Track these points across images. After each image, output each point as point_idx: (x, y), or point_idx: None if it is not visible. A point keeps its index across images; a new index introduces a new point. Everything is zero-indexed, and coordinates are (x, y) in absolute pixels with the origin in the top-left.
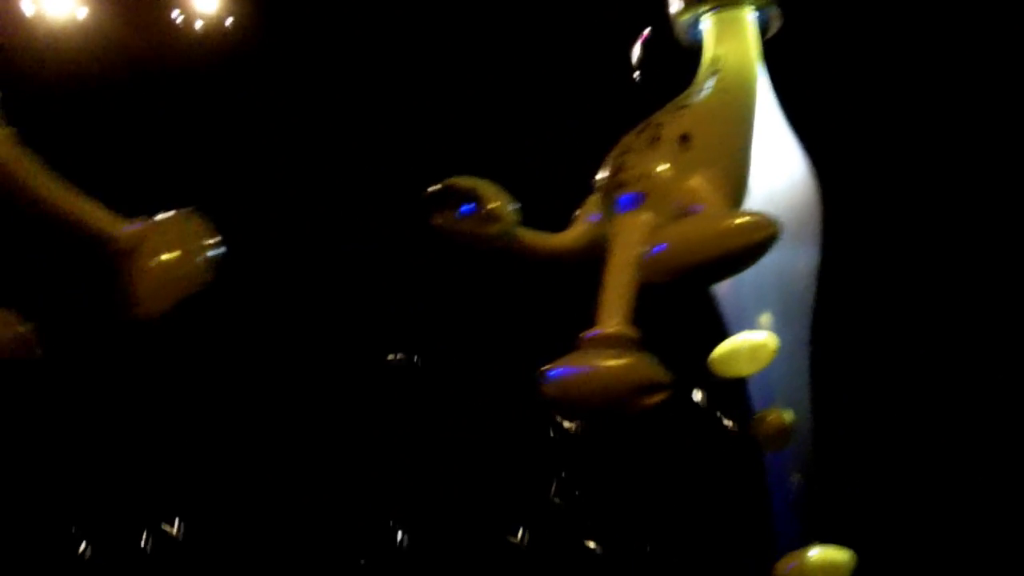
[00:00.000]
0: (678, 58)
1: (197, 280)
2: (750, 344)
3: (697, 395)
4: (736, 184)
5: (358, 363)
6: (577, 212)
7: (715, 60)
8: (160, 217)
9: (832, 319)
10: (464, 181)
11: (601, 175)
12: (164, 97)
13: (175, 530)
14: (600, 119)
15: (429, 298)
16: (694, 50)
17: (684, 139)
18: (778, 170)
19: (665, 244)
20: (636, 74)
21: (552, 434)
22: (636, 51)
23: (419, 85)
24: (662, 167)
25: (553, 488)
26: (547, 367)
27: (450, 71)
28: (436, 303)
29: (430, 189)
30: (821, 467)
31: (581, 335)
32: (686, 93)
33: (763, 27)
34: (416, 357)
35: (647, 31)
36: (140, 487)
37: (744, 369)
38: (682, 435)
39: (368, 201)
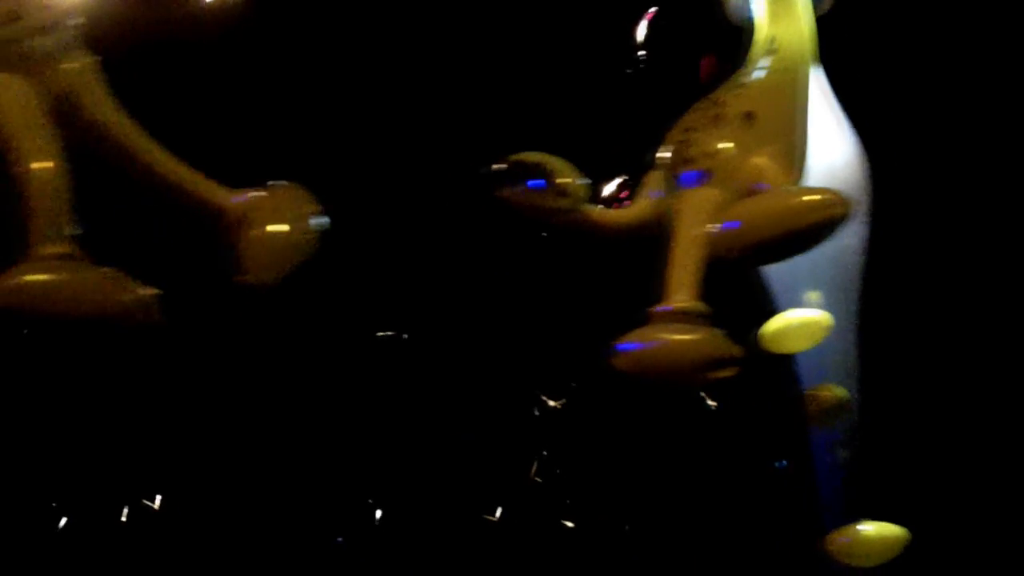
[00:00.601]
0: (685, 37)
1: (304, 251)
2: (804, 321)
3: None
4: (798, 162)
5: (344, 339)
6: (637, 189)
7: (770, 39)
8: (266, 188)
9: (880, 296)
10: (533, 156)
11: (664, 152)
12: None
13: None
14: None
15: (425, 274)
16: (744, 28)
17: (748, 117)
18: (828, 148)
19: (738, 221)
20: (640, 53)
21: (536, 413)
22: (641, 30)
23: (445, 58)
24: (727, 145)
25: (534, 467)
26: (618, 340)
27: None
28: (432, 279)
29: (497, 163)
30: (868, 443)
31: (650, 309)
32: (742, 71)
33: (815, 5)
34: (404, 334)
35: (652, 10)
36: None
37: (797, 345)
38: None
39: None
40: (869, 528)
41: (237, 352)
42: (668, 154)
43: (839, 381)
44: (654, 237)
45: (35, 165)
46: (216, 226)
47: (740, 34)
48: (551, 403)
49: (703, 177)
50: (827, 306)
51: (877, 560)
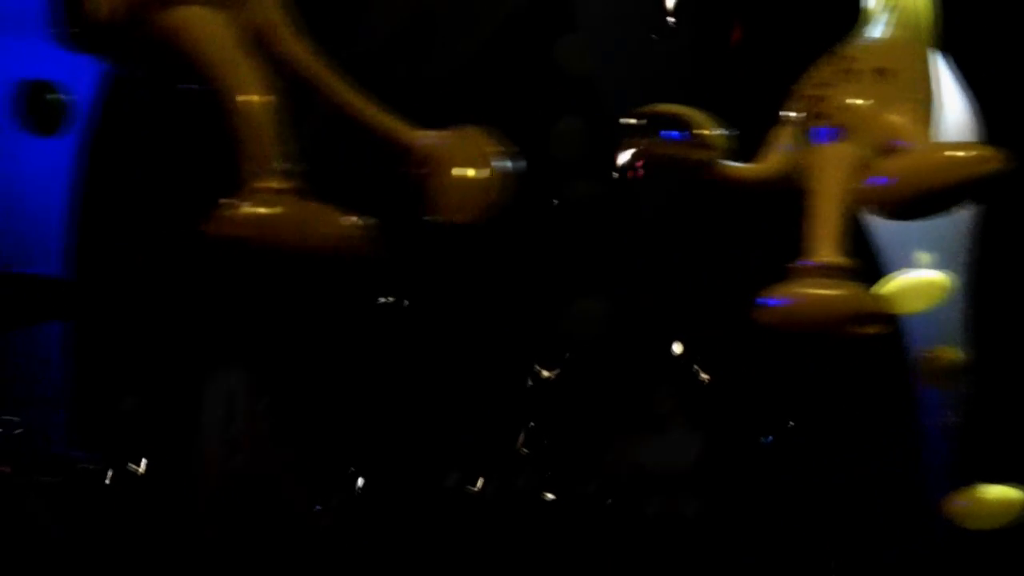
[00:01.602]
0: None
1: (494, 193)
2: (923, 281)
3: (676, 347)
4: (932, 117)
5: (344, 305)
6: (766, 144)
7: None
8: (451, 130)
9: (989, 259)
10: (673, 107)
11: (796, 107)
12: None
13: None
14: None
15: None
16: None
17: (880, 72)
18: (945, 106)
19: (886, 177)
20: (671, 19)
21: (530, 383)
22: None
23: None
24: (862, 100)
25: (521, 438)
26: (763, 295)
27: None
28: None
29: (636, 113)
30: (977, 406)
31: (793, 264)
32: (863, 27)
33: None
34: (405, 300)
35: None
36: None
37: (914, 306)
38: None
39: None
40: (989, 491)
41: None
42: (801, 109)
43: (946, 343)
44: (779, 191)
45: (246, 98)
46: (404, 164)
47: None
48: (545, 373)
49: (837, 133)
50: (937, 267)
51: (996, 523)
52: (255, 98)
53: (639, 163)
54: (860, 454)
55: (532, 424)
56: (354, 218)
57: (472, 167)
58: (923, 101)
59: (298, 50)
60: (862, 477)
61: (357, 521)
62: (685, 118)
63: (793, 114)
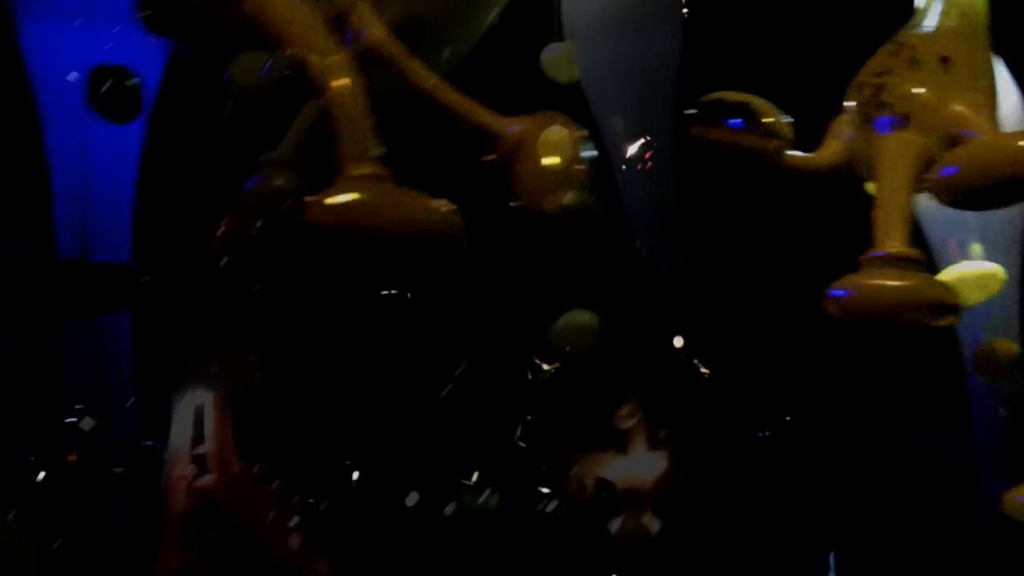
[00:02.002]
0: None
1: (575, 180)
2: (980, 273)
3: (678, 341)
4: (996, 106)
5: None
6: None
7: None
8: (537, 117)
9: None
10: (737, 95)
11: (857, 95)
12: None
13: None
14: None
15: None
16: None
17: (944, 61)
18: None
19: (955, 166)
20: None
21: (530, 376)
22: None
23: None
24: (925, 89)
25: (519, 431)
26: (832, 286)
27: None
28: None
29: (701, 100)
30: None
31: (862, 256)
32: (919, 15)
33: None
34: (408, 293)
35: None
36: None
37: (971, 298)
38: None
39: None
40: None
41: None
42: (863, 97)
43: (998, 335)
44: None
45: (340, 82)
46: (492, 151)
47: None
48: (545, 367)
49: (901, 122)
50: (991, 259)
51: None
52: (348, 83)
53: (647, 155)
54: (912, 448)
55: (528, 417)
56: (445, 204)
57: (560, 154)
58: (986, 90)
59: (382, 34)
60: (914, 471)
61: (352, 514)
62: (751, 106)
63: (854, 103)
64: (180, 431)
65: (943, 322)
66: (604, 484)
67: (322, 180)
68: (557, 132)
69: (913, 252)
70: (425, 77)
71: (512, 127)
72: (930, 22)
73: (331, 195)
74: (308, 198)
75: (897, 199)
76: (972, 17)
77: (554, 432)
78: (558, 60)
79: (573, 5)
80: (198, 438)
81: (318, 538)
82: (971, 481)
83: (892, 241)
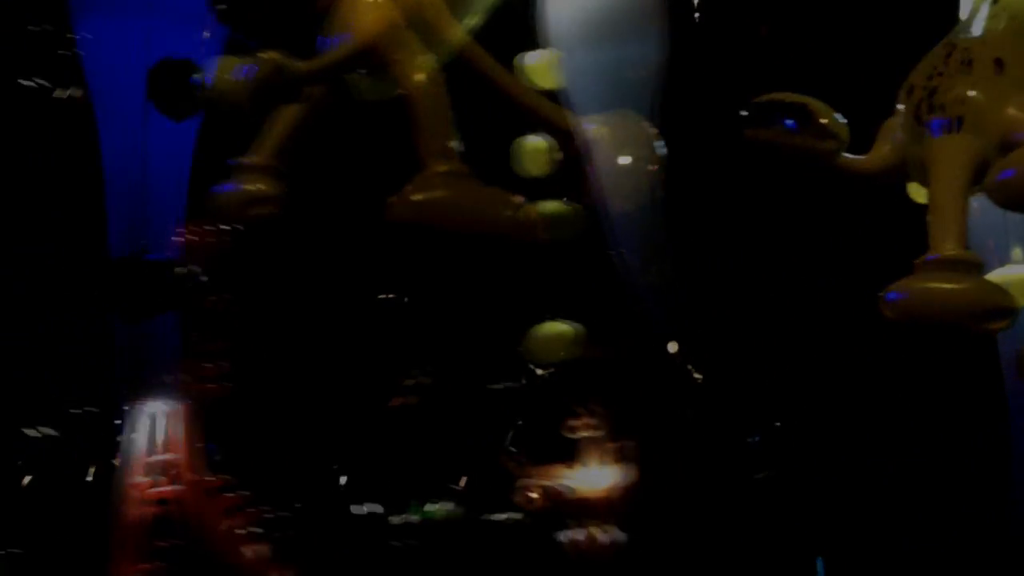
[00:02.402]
0: None
1: (647, 179)
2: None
3: (672, 346)
4: None
5: (346, 301)
6: (878, 136)
7: None
8: (610, 116)
9: None
10: (795, 96)
11: (910, 98)
12: None
13: None
14: None
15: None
16: None
17: (998, 64)
18: None
19: (1014, 170)
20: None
21: (523, 382)
22: None
23: None
24: (979, 92)
25: (508, 437)
26: (888, 289)
27: None
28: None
29: (755, 102)
30: None
31: (919, 260)
32: (969, 19)
33: None
34: (405, 298)
35: None
36: None
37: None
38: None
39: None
40: None
41: None
42: (915, 100)
43: None
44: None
45: (422, 78)
46: (564, 149)
47: None
48: (539, 371)
49: (955, 124)
50: None
51: None
52: (429, 80)
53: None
54: (952, 450)
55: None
56: (522, 200)
57: (636, 153)
58: None
59: (459, 34)
60: (954, 473)
61: (340, 520)
62: (809, 108)
63: (904, 106)
64: (136, 439)
65: (997, 326)
66: (557, 495)
67: (297, 185)
68: (634, 129)
69: (969, 256)
70: (502, 74)
71: (585, 124)
72: (979, 25)
73: (415, 192)
74: (391, 197)
75: (952, 203)
76: (1022, 20)
77: (515, 442)
78: (540, 67)
79: (556, 13)
80: (154, 447)
81: (276, 547)
82: (1006, 484)
83: (948, 244)
